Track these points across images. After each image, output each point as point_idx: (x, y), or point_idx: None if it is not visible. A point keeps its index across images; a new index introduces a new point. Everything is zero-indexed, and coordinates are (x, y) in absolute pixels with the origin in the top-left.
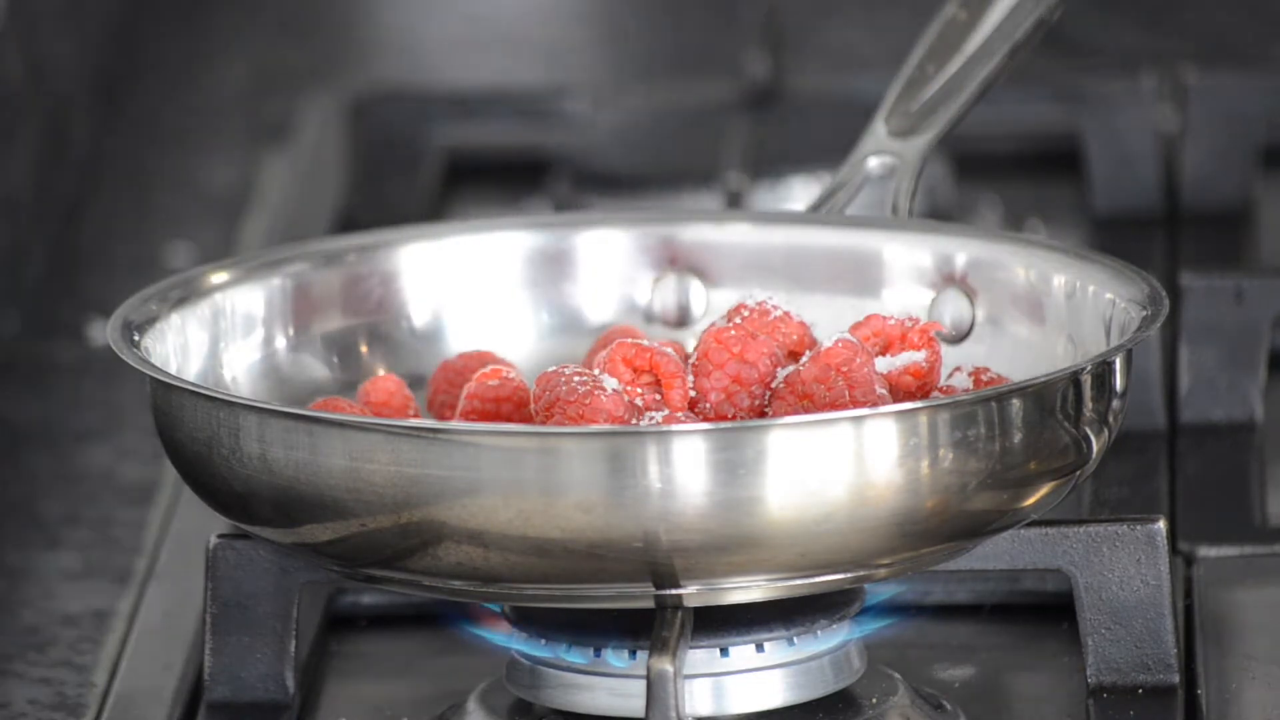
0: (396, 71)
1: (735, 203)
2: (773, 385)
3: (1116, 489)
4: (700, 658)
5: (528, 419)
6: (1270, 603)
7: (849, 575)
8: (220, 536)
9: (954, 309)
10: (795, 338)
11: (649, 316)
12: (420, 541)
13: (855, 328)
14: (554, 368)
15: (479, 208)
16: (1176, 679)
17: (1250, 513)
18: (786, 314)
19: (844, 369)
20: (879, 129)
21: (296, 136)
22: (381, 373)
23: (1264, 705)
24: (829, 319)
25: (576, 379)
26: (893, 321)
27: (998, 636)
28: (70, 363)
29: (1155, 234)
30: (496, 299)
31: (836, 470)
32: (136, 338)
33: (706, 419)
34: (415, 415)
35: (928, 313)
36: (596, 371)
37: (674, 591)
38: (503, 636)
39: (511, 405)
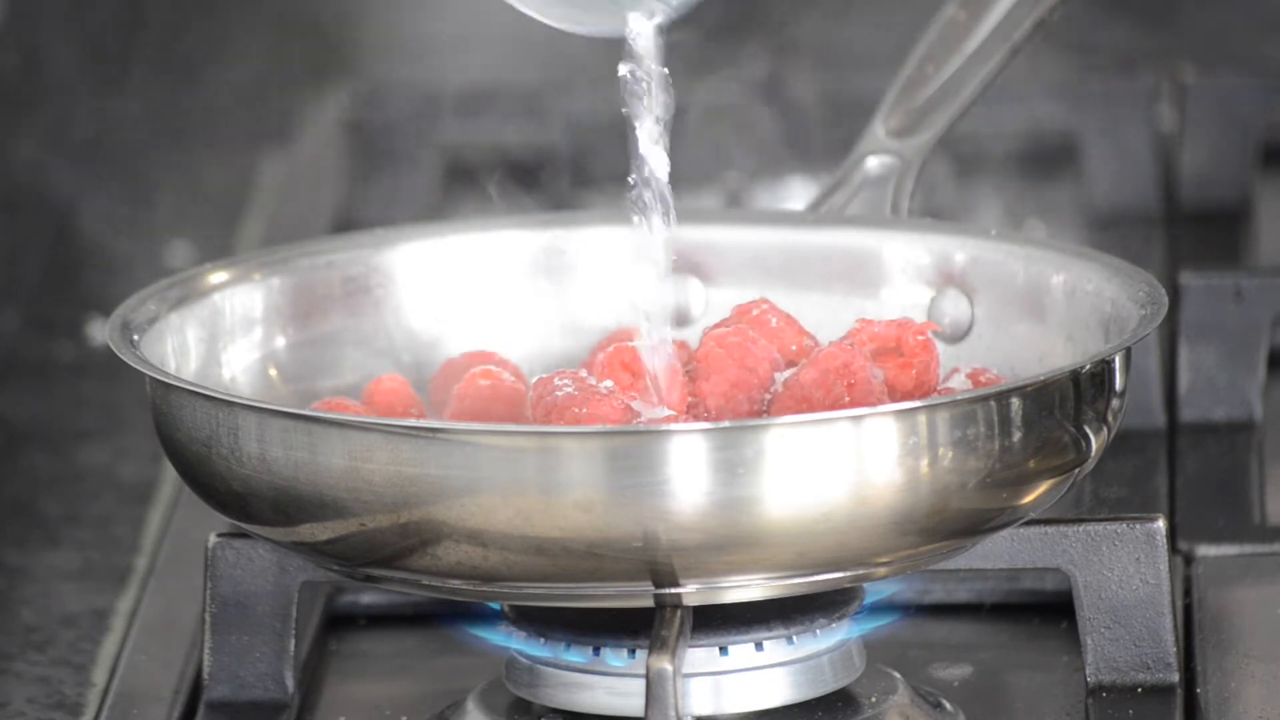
0: (396, 71)
1: (735, 202)
2: (771, 390)
3: (1116, 488)
4: (699, 656)
5: (518, 418)
6: (1270, 602)
7: (848, 574)
8: (219, 536)
9: (953, 308)
10: (794, 347)
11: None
12: (419, 541)
13: (852, 332)
14: (549, 374)
15: (479, 207)
16: (1176, 678)
17: (1250, 512)
18: (785, 323)
19: (842, 372)
20: (878, 129)
21: (296, 136)
22: (380, 373)
23: (1263, 704)
24: (828, 319)
25: (572, 384)
26: (879, 326)
27: (997, 636)
28: (69, 362)
29: (1154, 233)
30: (496, 299)
31: (835, 469)
32: (136, 337)
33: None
34: (419, 415)
35: (927, 312)
36: (591, 379)
37: (673, 590)
38: (502, 636)
39: (503, 405)
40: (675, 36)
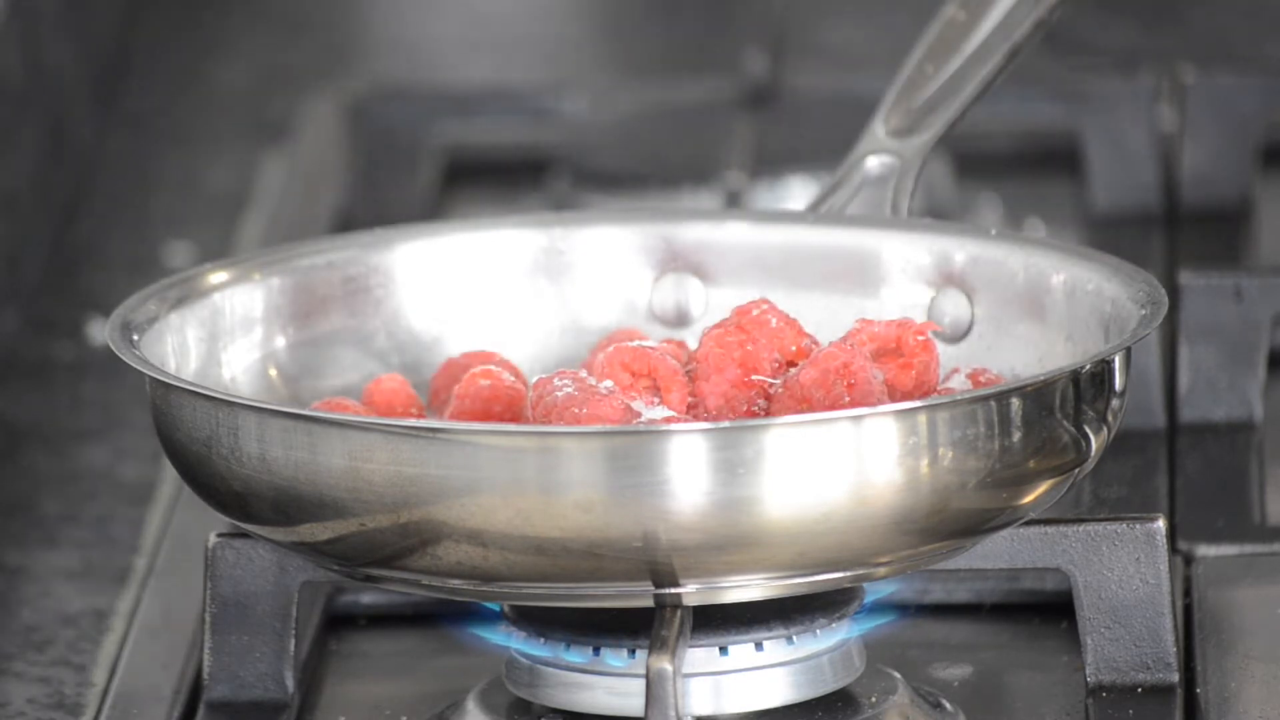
0: (396, 71)
1: (735, 202)
2: (771, 390)
3: (1116, 488)
4: (699, 656)
5: (518, 419)
6: (1270, 602)
7: (848, 574)
8: (219, 536)
9: (953, 308)
10: (794, 348)
11: (648, 316)
12: (419, 541)
13: (852, 332)
14: (549, 374)
15: (479, 207)
16: (1176, 678)
17: (1250, 512)
18: (785, 324)
19: (842, 372)
20: (878, 129)
21: (296, 136)
22: (380, 373)
23: (1263, 704)
24: (828, 319)
25: (572, 384)
26: (879, 327)
27: (997, 636)
28: (69, 362)
29: (1154, 233)
30: (496, 299)
31: (835, 469)
32: (135, 337)
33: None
34: (419, 415)
35: (927, 312)
36: (591, 379)
37: (673, 590)
38: (502, 635)
39: (502, 405)
40: (675, 36)
